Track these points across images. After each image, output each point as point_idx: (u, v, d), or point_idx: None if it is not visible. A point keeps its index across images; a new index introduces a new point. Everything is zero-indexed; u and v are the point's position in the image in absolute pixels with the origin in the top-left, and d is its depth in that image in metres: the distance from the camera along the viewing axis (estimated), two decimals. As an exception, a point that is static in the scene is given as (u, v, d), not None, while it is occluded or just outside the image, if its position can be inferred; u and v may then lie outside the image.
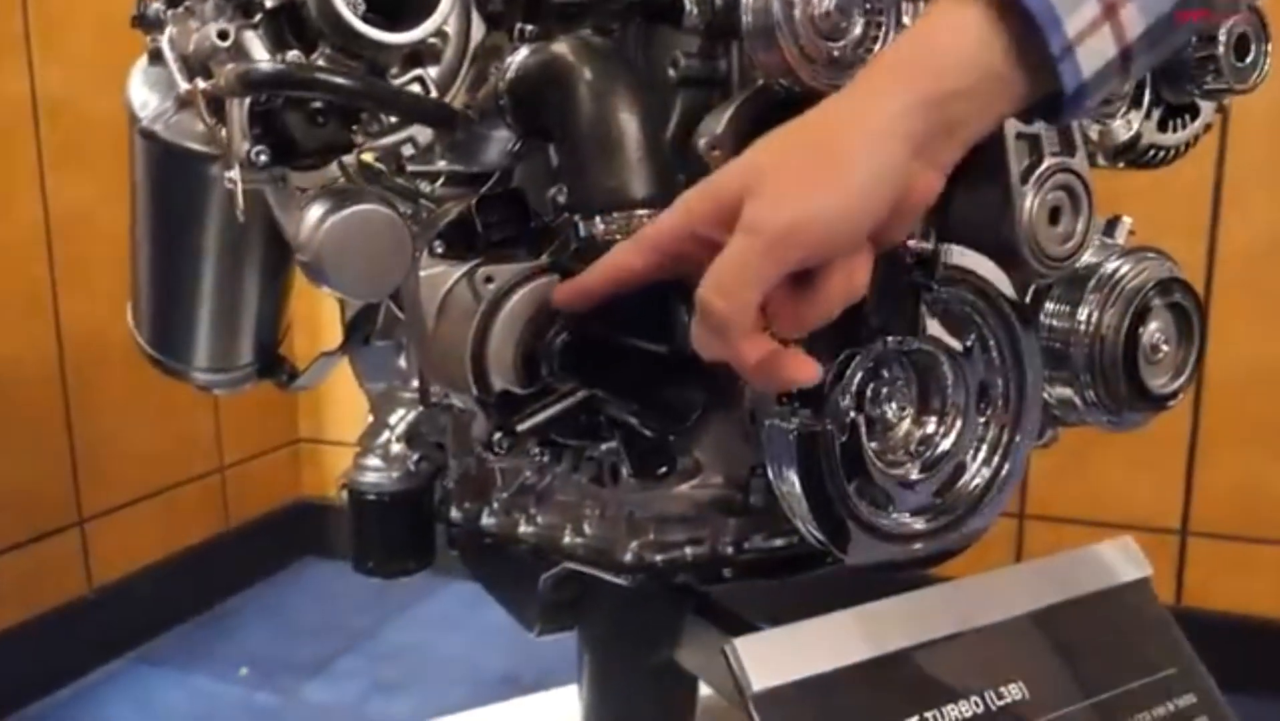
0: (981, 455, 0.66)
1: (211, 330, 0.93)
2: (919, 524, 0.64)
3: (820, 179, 0.48)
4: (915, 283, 0.62)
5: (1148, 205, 1.82)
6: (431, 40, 0.64)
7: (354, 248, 0.58)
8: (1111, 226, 0.76)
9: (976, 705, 0.56)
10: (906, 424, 0.65)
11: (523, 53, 0.66)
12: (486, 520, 0.84)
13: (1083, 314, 0.69)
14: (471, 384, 0.61)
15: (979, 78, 0.47)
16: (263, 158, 0.57)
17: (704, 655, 0.77)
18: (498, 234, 0.64)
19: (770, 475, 0.61)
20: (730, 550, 0.70)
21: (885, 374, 0.64)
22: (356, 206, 0.58)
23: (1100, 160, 0.74)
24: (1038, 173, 0.62)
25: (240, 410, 2.21)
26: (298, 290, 0.94)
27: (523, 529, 0.81)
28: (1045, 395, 0.71)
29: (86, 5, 1.85)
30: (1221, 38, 0.70)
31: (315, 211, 0.58)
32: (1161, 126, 0.75)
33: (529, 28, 0.67)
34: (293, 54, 0.58)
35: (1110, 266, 0.70)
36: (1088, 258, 0.72)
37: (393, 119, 0.63)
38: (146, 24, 0.75)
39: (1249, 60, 0.72)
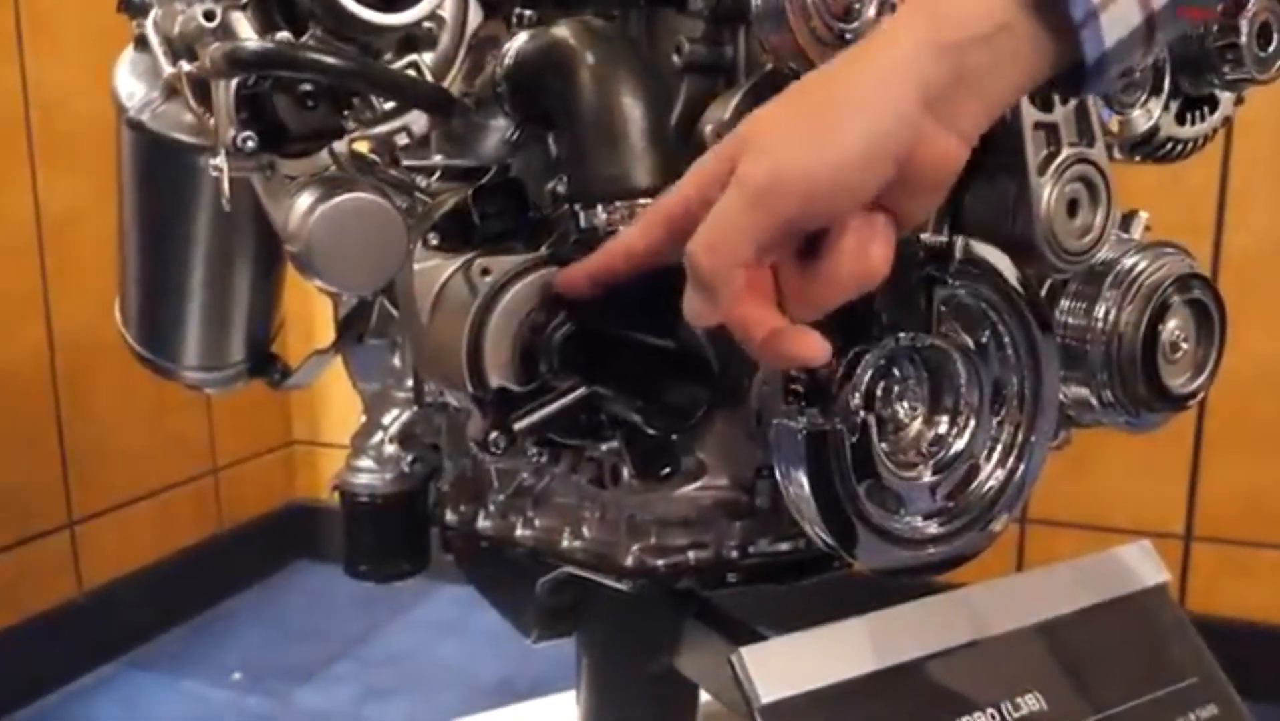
0: (996, 456, 0.63)
1: (201, 327, 0.92)
2: (931, 527, 0.61)
3: (815, 126, 0.45)
4: (928, 277, 0.60)
5: (1153, 206, 1.81)
6: (427, 24, 0.62)
7: (346, 238, 0.56)
8: (1128, 221, 0.74)
9: (993, 717, 0.53)
10: (918, 424, 0.63)
11: (521, 37, 0.64)
12: (482, 523, 0.83)
13: (1100, 311, 0.67)
14: (467, 380, 0.59)
15: (996, 30, 0.44)
16: (250, 144, 0.55)
17: (705, 662, 0.75)
18: (495, 225, 0.61)
19: (777, 476, 0.59)
20: (735, 554, 0.68)
21: (897, 372, 0.62)
22: (348, 195, 0.56)
23: (1115, 154, 0.72)
24: (1056, 163, 0.60)
25: (234, 411, 2.20)
26: (291, 287, 0.92)
27: (520, 532, 0.79)
28: (1061, 394, 0.69)
29: (78, 2, 1.83)
30: (1244, 26, 0.68)
31: (305, 200, 0.56)
32: (1179, 119, 0.72)
33: (527, 13, 0.65)
34: (281, 35, 0.55)
35: (1128, 262, 0.68)
36: (1104, 253, 0.69)
37: (386, 105, 0.61)
38: (132, 9, 0.73)
39: (1271, 49, 0.70)
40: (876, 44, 0.46)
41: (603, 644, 0.89)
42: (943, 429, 0.63)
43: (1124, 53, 0.45)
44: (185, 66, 0.57)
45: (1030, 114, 0.59)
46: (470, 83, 0.68)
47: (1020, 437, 0.63)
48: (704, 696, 0.87)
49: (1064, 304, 0.68)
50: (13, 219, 1.76)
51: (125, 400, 1.92)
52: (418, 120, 0.63)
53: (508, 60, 0.63)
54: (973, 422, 0.63)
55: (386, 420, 0.90)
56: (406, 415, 0.88)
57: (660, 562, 0.68)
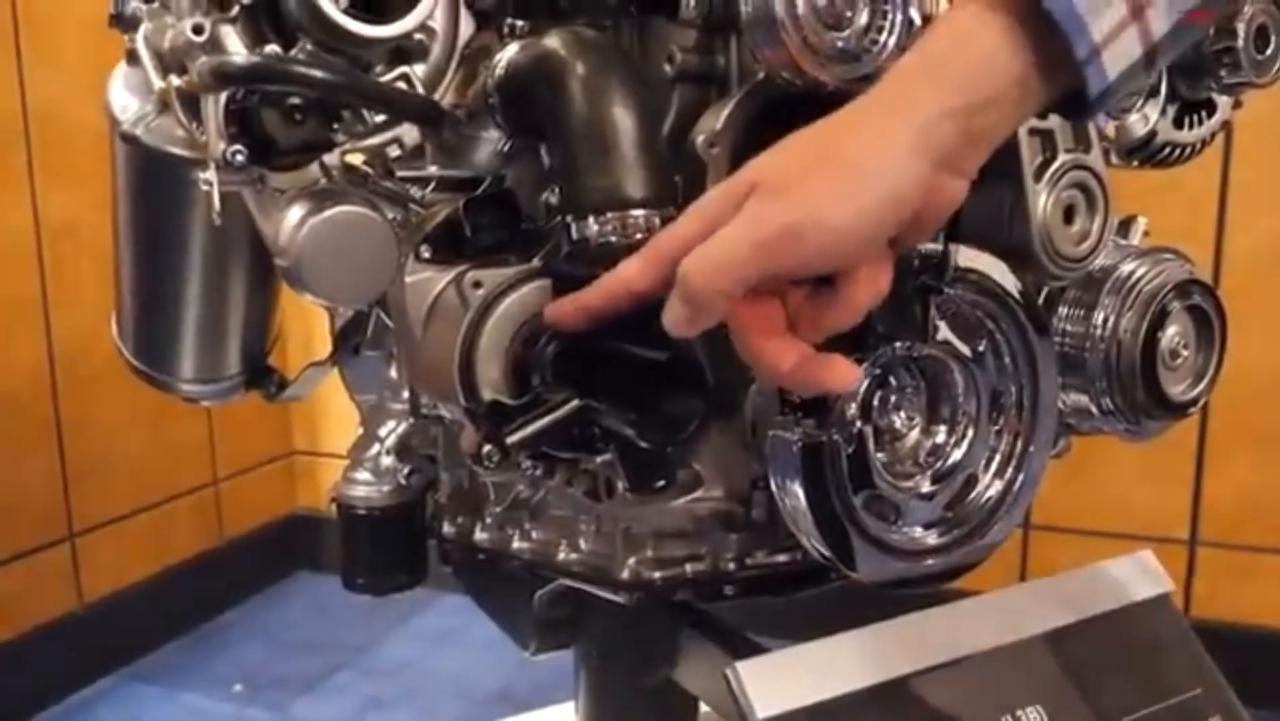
0: (994, 466, 0.63)
1: (197, 340, 0.92)
2: (929, 538, 0.61)
3: (834, 184, 0.47)
4: (924, 286, 0.59)
5: (1153, 209, 1.80)
6: (418, 36, 0.61)
7: (336, 251, 0.55)
8: (1126, 227, 0.73)
9: (993, 730, 0.53)
10: (915, 434, 0.62)
11: (513, 48, 0.64)
12: (479, 535, 0.82)
13: (1098, 318, 0.66)
14: (459, 393, 0.58)
15: (1005, 87, 0.46)
16: (240, 158, 0.55)
17: (703, 674, 0.75)
18: (487, 237, 0.61)
19: (773, 488, 0.58)
20: (732, 566, 0.67)
21: (893, 381, 0.62)
22: (339, 208, 0.55)
23: (1113, 159, 0.71)
24: (1052, 170, 0.59)
25: (234, 422, 2.20)
26: (289, 299, 0.92)
27: (516, 544, 0.79)
28: (1060, 403, 0.68)
29: (75, 15, 1.83)
30: (1241, 30, 0.67)
31: (295, 213, 0.56)
32: (1177, 124, 0.72)
33: (519, 24, 0.65)
34: (270, 48, 0.55)
35: (1126, 268, 0.68)
36: (1103, 259, 0.69)
37: (377, 118, 0.60)
38: (124, 24, 0.72)
39: (1269, 53, 0.69)
40: (888, 105, 0.48)
41: (600, 656, 0.88)
42: (940, 439, 0.62)
43: (1126, 82, 0.47)
44: (175, 81, 0.56)
45: (1026, 121, 0.58)
46: (463, 94, 0.68)
47: (1019, 447, 0.62)
48: (703, 708, 0.87)
49: (1062, 310, 0.68)
50: (11, 230, 1.77)
51: (125, 411, 1.92)
52: (409, 132, 0.63)
53: (499, 71, 0.62)
54: (971, 432, 0.62)
55: (383, 432, 0.89)
56: (403, 427, 0.88)
57: (657, 575, 0.68)
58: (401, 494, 0.87)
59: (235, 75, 0.52)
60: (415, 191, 0.71)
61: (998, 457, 0.63)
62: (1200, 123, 0.73)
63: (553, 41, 0.59)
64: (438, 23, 0.63)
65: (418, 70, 0.63)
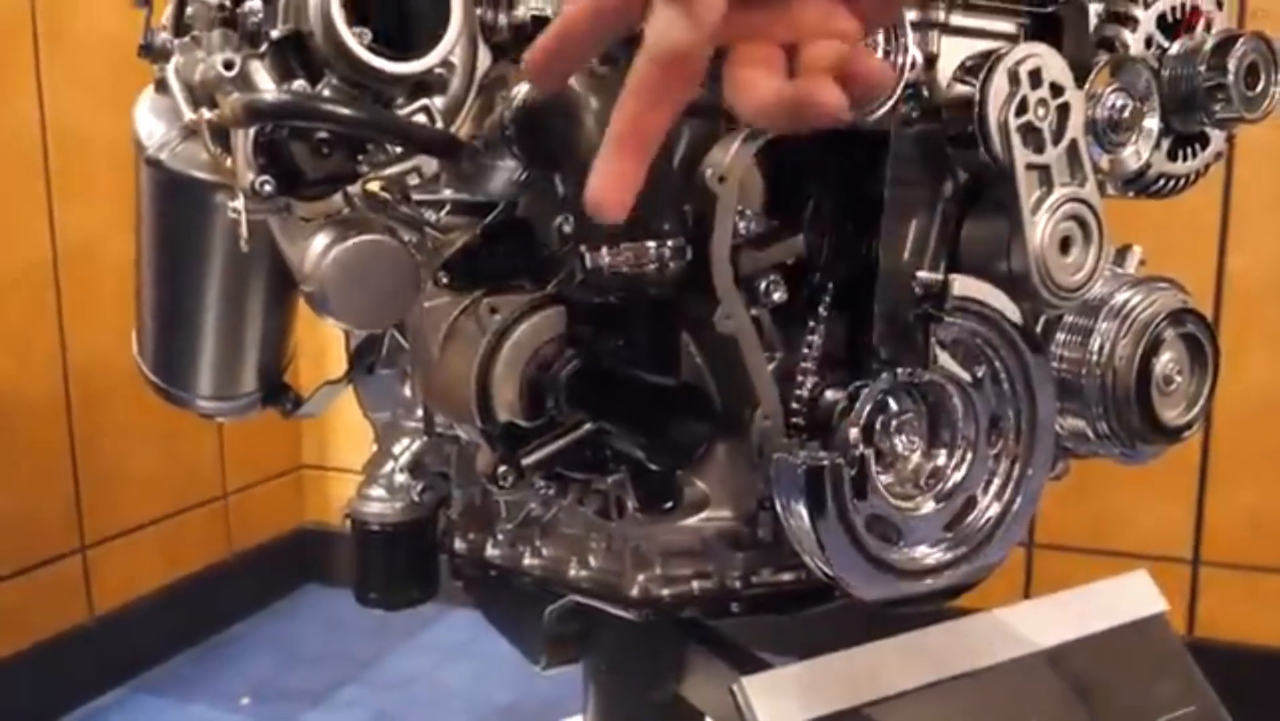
0: (993, 488, 0.65)
1: (215, 358, 0.94)
2: (930, 558, 0.63)
3: None
4: (925, 314, 0.61)
5: (1156, 235, 1.82)
6: (438, 70, 0.64)
7: (359, 278, 0.58)
8: (1122, 255, 0.75)
9: (990, 746, 0.54)
10: (917, 457, 0.64)
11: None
12: (491, 551, 0.84)
13: (1094, 345, 0.68)
14: (476, 415, 0.60)
15: None
16: (268, 188, 0.57)
17: (710, 689, 0.76)
18: (503, 264, 0.63)
19: (778, 509, 0.60)
20: (738, 584, 0.69)
21: (895, 406, 0.64)
22: (362, 236, 0.58)
23: (1110, 190, 0.73)
24: (1048, 203, 0.61)
25: (244, 436, 2.21)
26: (302, 316, 0.94)
27: (528, 561, 0.81)
28: (1057, 427, 0.70)
29: (96, 35, 1.86)
30: (1231, 66, 0.69)
31: (320, 241, 0.58)
32: (1172, 156, 0.74)
33: (536, 58, 0.67)
34: (298, 84, 0.58)
35: (1122, 297, 0.70)
36: (1099, 288, 0.71)
37: (398, 148, 0.63)
38: (153, 54, 0.75)
39: (1259, 89, 0.71)
40: None
41: (609, 671, 0.90)
42: (941, 461, 0.64)
43: None
44: (206, 114, 0.58)
45: (1023, 156, 0.61)
46: (480, 123, 0.70)
47: (1017, 470, 0.64)
48: (710, 723, 0.89)
49: (1060, 337, 0.70)
50: (30, 247, 1.79)
51: (137, 426, 1.94)
52: (428, 162, 0.65)
53: (516, 104, 0.65)
54: (970, 455, 0.64)
55: (397, 450, 0.91)
56: (417, 445, 0.90)
57: (665, 592, 0.69)
58: (414, 510, 0.89)
59: (267, 111, 0.54)
60: (430, 215, 0.74)
61: (996, 480, 0.65)
62: (1194, 155, 0.75)
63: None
64: (457, 57, 0.65)
65: (437, 102, 0.65)
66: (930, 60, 0.64)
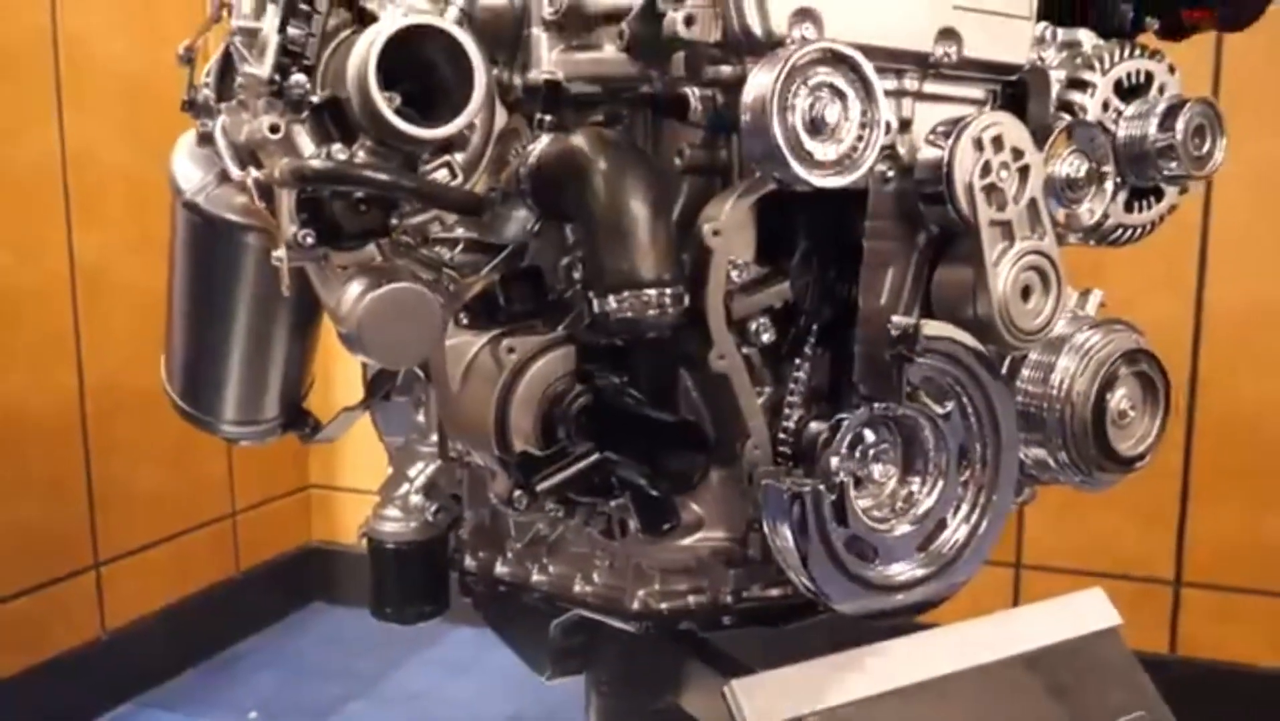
0: (962, 512, 0.71)
1: (240, 386, 0.99)
2: (903, 575, 0.69)
3: None
4: (899, 355, 0.68)
5: (1137, 267, 1.89)
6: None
7: (389, 322, 0.64)
8: (1084, 298, 0.82)
9: (955, 745, 0.61)
10: (892, 483, 0.71)
11: (544, 141, 0.72)
12: (500, 569, 0.89)
13: (1055, 380, 0.74)
14: (494, 445, 0.66)
15: None
16: (309, 240, 0.63)
17: (706, 699, 0.82)
18: (518, 307, 0.70)
19: (765, 530, 0.66)
20: (730, 599, 0.75)
21: (873, 437, 0.70)
22: (393, 284, 0.64)
23: (1072, 239, 0.80)
24: (1010, 254, 0.68)
25: (252, 457, 2.24)
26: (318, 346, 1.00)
27: (535, 577, 0.86)
28: (1022, 456, 0.76)
29: (114, 70, 1.93)
30: (1180, 128, 0.76)
31: (354, 289, 0.64)
32: (1128, 208, 0.81)
33: (547, 118, 0.74)
34: (336, 147, 0.64)
35: (1081, 337, 0.76)
36: (1061, 328, 0.77)
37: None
38: (195, 110, 0.82)
39: (1206, 150, 0.78)
40: None
41: (611, 682, 0.95)
42: (914, 488, 0.71)
43: None
44: (254, 173, 0.65)
45: (987, 213, 0.67)
46: (496, 174, 0.77)
47: (983, 496, 0.71)
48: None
49: (1024, 373, 0.76)
50: (48, 271, 1.85)
51: (149, 445, 1.98)
52: (448, 214, 0.72)
53: (531, 161, 0.71)
54: (941, 483, 0.71)
55: (412, 472, 0.96)
56: (430, 468, 0.95)
57: (664, 606, 0.75)
58: (428, 530, 0.94)
59: (312, 176, 0.60)
60: (445, 252, 0.80)
61: (965, 505, 0.71)
62: (1149, 207, 0.81)
63: (578, 139, 0.68)
64: (477, 117, 0.72)
65: (458, 157, 0.72)
66: (905, 124, 0.71)
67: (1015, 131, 0.67)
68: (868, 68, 0.62)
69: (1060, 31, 0.79)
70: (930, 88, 0.72)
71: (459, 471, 0.93)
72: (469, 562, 0.93)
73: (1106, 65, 0.78)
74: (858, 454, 0.69)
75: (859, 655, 0.62)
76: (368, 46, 0.62)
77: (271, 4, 0.62)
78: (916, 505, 0.70)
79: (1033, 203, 0.69)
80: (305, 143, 0.65)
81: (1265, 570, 1.86)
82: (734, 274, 0.69)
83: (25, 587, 1.83)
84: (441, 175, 0.71)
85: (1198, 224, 1.81)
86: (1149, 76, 0.80)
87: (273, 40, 0.62)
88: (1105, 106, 0.78)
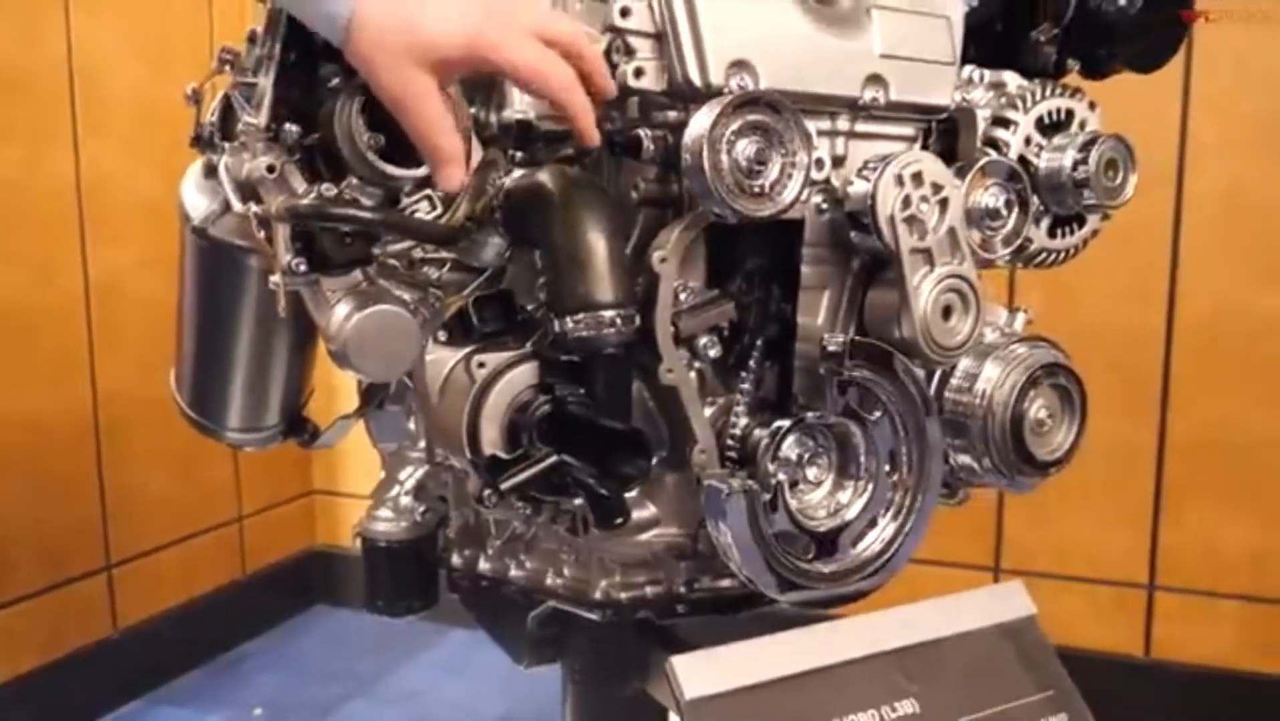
0: (890, 511, 0.78)
1: (244, 396, 1.07)
2: (836, 569, 0.76)
3: None
4: (831, 369, 0.75)
5: (1108, 280, 1.95)
6: (439, 167, 0.78)
7: (373, 340, 0.72)
8: (1013, 317, 0.89)
9: (873, 716, 0.68)
10: (827, 485, 0.78)
11: (516, 175, 0.80)
12: (483, 565, 0.96)
13: (978, 390, 0.82)
14: (466, 449, 0.74)
15: None
16: (302, 267, 0.71)
17: (669, 686, 0.89)
18: (490, 326, 0.78)
19: (708, 527, 0.74)
20: (684, 589, 0.83)
21: (810, 443, 0.78)
22: (376, 307, 0.72)
23: (1001, 261, 0.87)
24: (931, 278, 0.75)
25: (258, 463, 2.31)
26: (318, 358, 1.07)
27: (513, 572, 0.93)
28: (951, 461, 0.84)
29: (128, 97, 2.01)
30: (1092, 162, 0.84)
31: (342, 310, 0.72)
32: (1051, 234, 0.88)
33: (519, 154, 0.81)
34: (326, 185, 0.72)
35: (1005, 351, 0.83)
36: (991, 340, 0.85)
37: (405, 235, 0.77)
38: (202, 144, 0.90)
39: (1118, 182, 0.85)
40: None
41: (583, 670, 1.02)
42: (846, 490, 0.78)
43: None
44: (254, 208, 0.73)
45: (908, 242, 0.75)
46: (474, 202, 0.85)
47: (909, 499, 0.78)
48: (672, 717, 1.01)
49: (952, 383, 0.84)
50: (64, 288, 1.92)
51: (159, 453, 2.05)
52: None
53: (503, 194, 0.79)
54: (871, 485, 0.78)
55: (402, 476, 1.03)
56: (419, 472, 1.02)
57: (624, 596, 0.83)
58: (417, 529, 1.01)
59: (304, 213, 0.68)
60: (432, 272, 0.87)
61: (893, 505, 0.78)
62: (1072, 233, 0.89)
63: (544, 175, 0.76)
64: (455, 153, 0.80)
65: (438, 191, 0.79)
66: (838, 160, 0.79)
67: (934, 168, 0.75)
68: (791, 112, 0.70)
69: (987, 73, 0.87)
70: (862, 127, 0.80)
71: (445, 475, 1.00)
72: (455, 560, 0.99)
73: (1029, 104, 0.85)
74: (794, 458, 0.76)
75: (792, 636, 0.70)
76: (353, 96, 0.70)
77: (268, 62, 0.70)
78: (849, 505, 0.78)
79: (952, 231, 0.76)
80: (299, 181, 0.73)
81: (1237, 574, 1.91)
82: (683, 296, 0.76)
83: (41, 587, 1.90)
84: (423, 206, 0.79)
85: (1169, 237, 1.87)
86: (1070, 113, 0.87)
87: (269, 95, 0.70)
88: (1028, 141, 0.86)
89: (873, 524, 0.78)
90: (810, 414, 0.76)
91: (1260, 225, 1.82)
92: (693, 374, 0.79)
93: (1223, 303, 1.86)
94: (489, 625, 1.08)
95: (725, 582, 0.82)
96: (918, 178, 0.74)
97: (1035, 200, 0.85)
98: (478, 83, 0.83)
